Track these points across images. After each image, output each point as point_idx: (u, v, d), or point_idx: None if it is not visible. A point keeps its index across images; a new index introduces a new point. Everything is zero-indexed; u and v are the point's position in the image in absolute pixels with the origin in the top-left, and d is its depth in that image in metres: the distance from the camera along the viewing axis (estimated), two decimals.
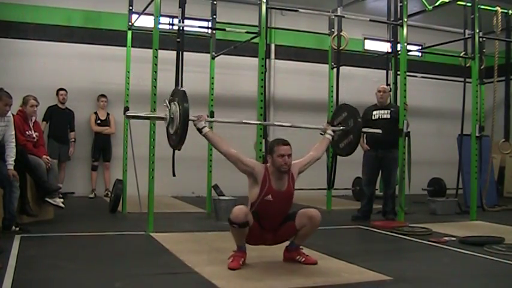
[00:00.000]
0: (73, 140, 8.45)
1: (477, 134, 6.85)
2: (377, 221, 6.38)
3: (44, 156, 6.03)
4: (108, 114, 8.71)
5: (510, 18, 7.89)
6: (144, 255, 4.48)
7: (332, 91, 7.69)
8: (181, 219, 6.53)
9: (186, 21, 6.45)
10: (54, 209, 6.06)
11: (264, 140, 5.85)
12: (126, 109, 6.89)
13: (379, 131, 5.39)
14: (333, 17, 7.71)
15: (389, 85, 7.61)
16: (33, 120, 6.14)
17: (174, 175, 6.39)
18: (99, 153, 8.69)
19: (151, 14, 5.58)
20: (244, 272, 3.77)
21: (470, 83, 7.01)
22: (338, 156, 7.02)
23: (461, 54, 8.15)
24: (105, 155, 8.70)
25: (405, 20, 6.51)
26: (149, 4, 6.22)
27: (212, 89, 7.16)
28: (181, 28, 6.33)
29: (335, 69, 7.65)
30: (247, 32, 6.36)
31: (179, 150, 4.28)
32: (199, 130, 4.01)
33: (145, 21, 7.40)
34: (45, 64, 8.54)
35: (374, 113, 6.66)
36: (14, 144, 5.29)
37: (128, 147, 6.77)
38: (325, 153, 6.85)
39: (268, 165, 3.96)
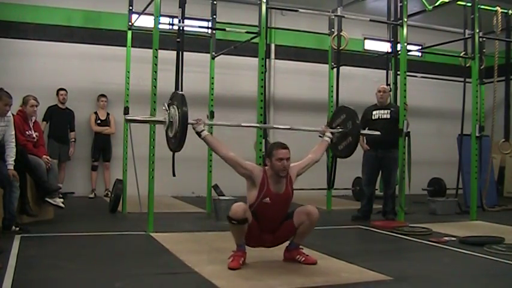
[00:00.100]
0: (73, 140, 8.45)
1: (477, 134, 6.85)
2: (377, 221, 6.38)
3: (44, 156, 6.04)
4: (108, 114, 8.71)
5: (510, 18, 7.89)
6: (144, 255, 4.48)
7: (332, 91, 7.69)
8: (181, 219, 6.53)
9: (186, 21, 6.44)
10: (54, 209, 6.06)
11: (264, 140, 5.85)
12: (126, 109, 6.90)
13: (378, 133, 5.43)
14: (333, 17, 7.71)
15: (389, 85, 7.61)
16: (33, 120, 6.14)
17: (174, 175, 6.39)
18: (99, 153, 8.69)
19: (151, 14, 5.58)
20: (244, 272, 3.77)
21: (470, 83, 7.01)
22: None
23: (461, 54, 8.15)
24: (105, 155, 8.70)
25: (405, 20, 6.52)
26: (149, 4, 6.22)
27: (212, 89, 7.16)
28: (181, 28, 6.32)
29: (335, 69, 7.65)
30: (247, 32, 6.36)
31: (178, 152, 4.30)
32: (198, 133, 4.04)
33: (145, 21, 7.40)
34: (45, 64, 8.54)
35: (374, 113, 6.67)
36: (14, 144, 5.29)
37: (128, 147, 6.77)
38: (325, 153, 6.89)
39: (267, 168, 3.98)
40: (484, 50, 7.89)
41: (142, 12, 6.61)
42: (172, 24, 8.37)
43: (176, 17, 6.45)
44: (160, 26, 5.64)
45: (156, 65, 5.46)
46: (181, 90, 6.12)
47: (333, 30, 7.80)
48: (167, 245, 4.69)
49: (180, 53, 6.22)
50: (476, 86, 6.99)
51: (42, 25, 8.58)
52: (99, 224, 6.09)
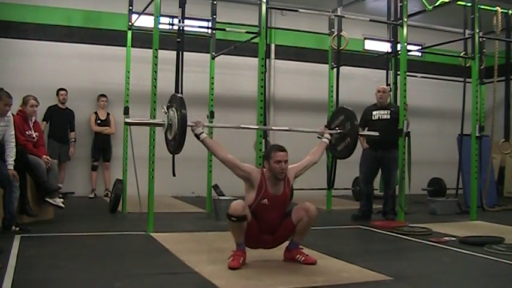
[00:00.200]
0: (73, 140, 8.45)
1: (477, 134, 6.85)
2: (377, 221, 6.38)
3: (44, 156, 6.03)
4: (108, 114, 8.71)
5: (510, 18, 7.89)
6: (144, 255, 4.49)
7: (332, 91, 7.69)
8: (181, 219, 6.53)
9: (186, 21, 6.45)
10: (54, 209, 6.06)
11: (264, 141, 5.85)
12: (126, 109, 6.90)
13: (376, 133, 5.47)
14: (333, 17, 7.71)
15: (389, 85, 7.61)
16: (33, 120, 6.13)
17: (174, 175, 6.40)
18: (99, 153, 8.69)
19: (151, 14, 5.58)
20: (244, 272, 3.77)
21: (470, 83, 7.01)
22: None
23: (461, 54, 8.15)
24: (105, 155, 8.70)
25: (405, 20, 6.52)
26: (149, 4, 6.22)
27: (212, 89, 7.16)
28: (181, 28, 6.32)
29: (335, 69, 7.66)
30: (247, 32, 6.36)
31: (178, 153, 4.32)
32: (197, 136, 4.07)
33: (145, 21, 7.40)
34: (45, 64, 8.54)
35: (374, 113, 6.67)
36: (14, 144, 5.29)
37: (128, 147, 6.77)
38: (325, 153, 6.89)
39: (265, 170, 4.01)
40: (484, 50, 7.89)
41: (142, 12, 6.61)
42: (172, 24, 8.37)
43: (176, 17, 6.45)
44: (160, 26, 5.63)
45: (156, 65, 5.46)
46: (181, 90, 6.14)
47: (333, 30, 7.80)
48: (167, 245, 4.69)
49: (180, 53, 6.22)
50: (476, 86, 6.99)
51: (42, 25, 8.58)
52: (99, 224, 6.09)
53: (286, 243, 4.14)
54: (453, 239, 5.18)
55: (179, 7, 6.13)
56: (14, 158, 5.22)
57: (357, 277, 3.72)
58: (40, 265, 3.88)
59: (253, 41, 6.04)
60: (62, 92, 8.35)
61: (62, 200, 6.06)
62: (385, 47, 8.89)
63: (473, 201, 6.83)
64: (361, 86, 9.43)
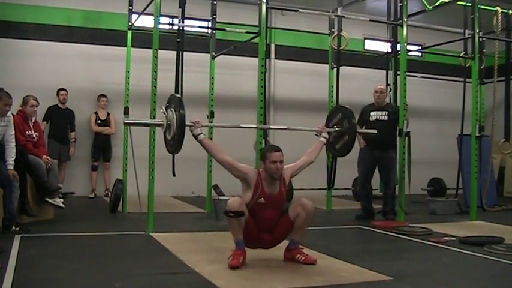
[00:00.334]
0: (73, 140, 8.45)
1: (477, 134, 6.85)
2: (377, 221, 6.39)
3: (44, 156, 6.04)
4: (108, 114, 8.71)
5: (510, 18, 7.89)
6: (144, 255, 4.49)
7: (332, 91, 7.69)
8: (181, 219, 6.53)
9: (186, 21, 6.44)
10: (54, 209, 6.06)
11: (264, 140, 5.86)
12: (126, 109, 6.89)
13: (374, 131, 5.51)
14: (333, 17, 7.71)
15: (389, 85, 7.61)
16: (33, 120, 6.14)
17: (174, 175, 6.39)
18: (99, 153, 8.69)
19: (151, 14, 5.59)
20: (244, 272, 3.77)
21: (470, 83, 7.01)
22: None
23: (461, 54, 8.14)
24: (105, 155, 8.70)
25: (405, 20, 6.52)
26: (149, 4, 6.22)
27: (212, 89, 7.16)
28: (181, 28, 6.32)
29: (335, 69, 7.65)
30: (247, 32, 6.36)
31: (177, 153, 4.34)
32: (195, 137, 4.11)
33: (145, 21, 7.40)
34: (46, 64, 8.54)
35: (372, 114, 6.66)
36: (14, 144, 5.29)
37: (128, 147, 6.77)
38: (325, 153, 6.89)
39: (261, 171, 4.07)
40: (484, 50, 7.89)
41: (142, 12, 6.61)
42: (172, 24, 8.37)
43: (176, 17, 6.45)
44: (160, 26, 5.63)
45: (156, 65, 5.46)
46: (181, 90, 6.14)
47: (333, 30, 7.80)
48: (167, 245, 4.69)
49: (180, 53, 6.22)
50: (476, 86, 6.99)
51: (42, 25, 8.59)
52: (99, 224, 6.09)
53: (286, 243, 4.15)
54: (453, 239, 5.18)
55: (179, 7, 6.13)
56: (14, 158, 5.22)
57: (356, 277, 3.72)
58: (40, 265, 3.89)
59: (253, 41, 6.04)
60: (62, 92, 8.35)
61: (62, 200, 6.07)
62: (385, 47, 8.88)
63: (473, 201, 6.83)
64: (361, 86, 9.41)
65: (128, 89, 6.99)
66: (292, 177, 4.26)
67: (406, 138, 6.37)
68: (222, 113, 7.62)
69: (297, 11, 7.13)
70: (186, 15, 6.22)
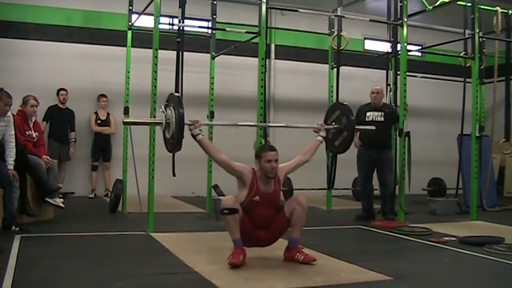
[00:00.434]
0: (73, 140, 8.45)
1: (477, 134, 6.85)
2: (377, 221, 6.39)
3: (44, 156, 6.04)
4: (108, 114, 8.71)
5: (510, 18, 7.89)
6: (144, 255, 4.49)
7: (332, 91, 7.69)
8: (181, 219, 6.54)
9: (186, 21, 6.45)
10: (54, 209, 6.06)
11: (264, 140, 5.86)
12: (126, 109, 6.90)
13: (373, 127, 5.57)
14: (333, 17, 7.71)
15: (389, 85, 7.61)
16: (33, 120, 6.14)
17: (174, 175, 6.39)
18: (99, 153, 8.69)
19: (151, 14, 5.59)
20: (244, 272, 3.77)
21: (470, 83, 7.02)
22: (338, 157, 7.04)
23: (461, 54, 8.14)
24: (105, 155, 8.70)
25: (405, 20, 6.52)
26: (149, 4, 6.22)
27: (212, 89, 7.16)
28: (181, 28, 6.32)
29: (335, 69, 7.65)
30: (247, 32, 6.36)
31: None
32: (194, 136, 4.13)
33: (145, 21, 7.40)
34: (46, 64, 8.54)
35: (368, 114, 6.66)
36: (14, 144, 5.29)
37: (128, 147, 6.77)
38: (325, 153, 6.89)
39: (256, 170, 4.11)
40: (484, 50, 7.89)
41: (142, 12, 6.61)
42: (172, 24, 8.37)
43: (176, 17, 6.45)
44: (160, 26, 5.64)
45: (156, 65, 5.47)
46: (181, 90, 6.14)
47: (333, 30, 7.80)
48: (167, 245, 4.69)
49: (180, 53, 6.22)
50: (476, 86, 6.99)
51: (42, 25, 8.59)
52: (99, 224, 6.09)
53: (286, 242, 4.15)
54: (453, 239, 5.18)
55: (179, 7, 6.14)
56: (14, 158, 5.22)
57: (356, 277, 3.72)
58: (40, 265, 3.89)
59: (253, 41, 6.04)
60: (62, 92, 8.35)
61: (62, 200, 6.07)
62: (385, 47, 8.86)
63: (473, 201, 6.83)
64: (361, 86, 9.36)
65: (128, 89, 6.99)
66: (286, 174, 4.36)
67: (406, 138, 6.37)
68: (222, 113, 7.61)
69: (297, 11, 7.13)
70: (186, 15, 6.23)
